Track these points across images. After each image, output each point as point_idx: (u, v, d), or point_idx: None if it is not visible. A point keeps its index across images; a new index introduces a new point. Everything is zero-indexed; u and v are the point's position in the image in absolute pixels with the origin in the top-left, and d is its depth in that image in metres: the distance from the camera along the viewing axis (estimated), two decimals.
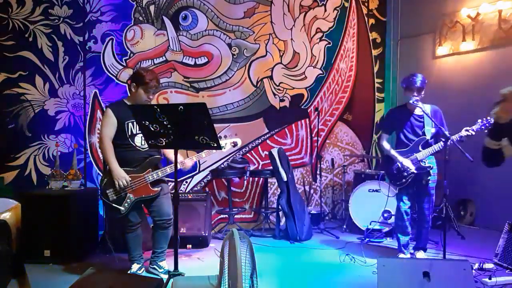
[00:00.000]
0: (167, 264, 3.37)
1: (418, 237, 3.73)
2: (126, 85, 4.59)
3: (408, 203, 3.65)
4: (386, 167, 3.77)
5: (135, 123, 3.18)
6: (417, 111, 3.62)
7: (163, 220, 3.28)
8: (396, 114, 3.77)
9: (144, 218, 3.55)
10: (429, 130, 3.58)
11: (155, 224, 3.34)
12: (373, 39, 5.92)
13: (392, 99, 5.96)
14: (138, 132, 3.20)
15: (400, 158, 3.57)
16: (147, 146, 3.18)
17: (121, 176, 3.11)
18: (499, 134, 1.91)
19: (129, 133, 3.20)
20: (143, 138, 3.19)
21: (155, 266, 3.36)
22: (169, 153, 3.36)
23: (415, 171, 3.50)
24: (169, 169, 3.22)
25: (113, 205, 3.14)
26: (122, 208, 3.14)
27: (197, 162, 4.88)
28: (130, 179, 3.14)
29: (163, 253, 3.38)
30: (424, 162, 3.52)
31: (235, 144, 3.32)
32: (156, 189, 3.22)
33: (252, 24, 5.08)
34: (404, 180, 3.57)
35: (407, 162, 3.53)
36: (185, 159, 3.29)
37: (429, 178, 3.57)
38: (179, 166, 3.08)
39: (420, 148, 3.56)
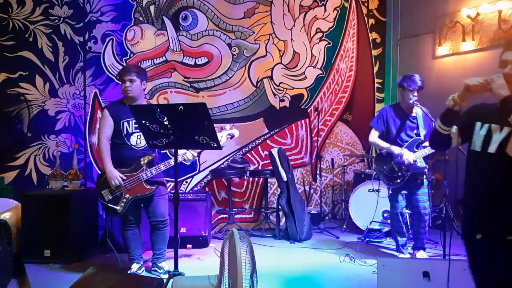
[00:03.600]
0: (167, 264, 3.37)
1: (416, 237, 3.72)
2: None
3: (403, 203, 3.65)
4: (379, 167, 3.71)
5: (130, 122, 3.20)
6: (414, 112, 3.61)
7: (157, 221, 3.30)
8: (391, 112, 3.70)
9: (144, 218, 3.56)
10: (423, 132, 3.58)
11: (150, 225, 3.36)
12: (373, 39, 5.92)
13: (392, 99, 5.95)
14: (133, 131, 3.22)
15: (398, 149, 3.54)
16: (142, 145, 3.21)
17: (114, 175, 3.12)
18: (450, 121, 1.93)
19: (125, 133, 3.22)
20: (138, 137, 3.22)
21: (155, 268, 3.39)
22: None
23: (411, 162, 3.46)
24: (163, 167, 3.22)
25: (109, 205, 3.16)
26: (118, 207, 3.15)
27: (197, 161, 4.88)
28: (125, 178, 3.15)
29: (162, 255, 3.38)
30: (417, 162, 3.51)
31: (232, 136, 3.26)
32: (151, 187, 3.22)
33: (252, 24, 5.09)
34: (398, 180, 3.56)
35: (407, 154, 3.47)
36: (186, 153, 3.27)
37: (424, 177, 3.56)
38: (179, 159, 3.09)
39: (415, 149, 3.54)
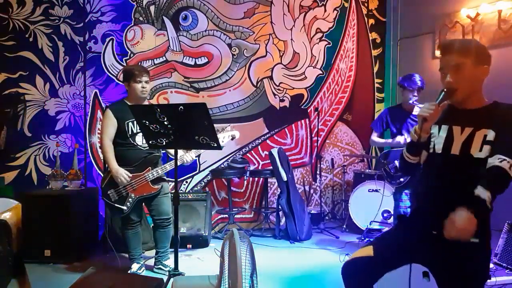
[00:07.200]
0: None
1: None
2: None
3: (407, 203, 3.65)
4: (383, 165, 3.73)
5: (135, 122, 3.19)
6: (414, 112, 3.62)
7: (162, 219, 3.30)
8: (393, 114, 3.74)
9: (145, 218, 3.56)
10: None
11: (154, 224, 3.37)
12: (373, 39, 5.93)
13: (392, 99, 5.96)
14: (138, 131, 3.21)
15: (401, 137, 3.56)
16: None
17: (120, 173, 3.12)
18: (418, 151, 1.91)
19: (130, 133, 3.22)
20: (143, 137, 3.21)
21: (160, 266, 3.39)
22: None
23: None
24: (168, 167, 3.23)
25: (115, 205, 3.16)
26: (124, 207, 3.16)
27: (197, 161, 4.88)
28: (131, 175, 3.15)
29: (166, 252, 3.40)
30: None
31: (233, 137, 3.31)
32: (156, 186, 3.23)
33: (252, 24, 5.09)
34: (401, 179, 3.57)
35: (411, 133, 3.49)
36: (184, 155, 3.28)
37: None
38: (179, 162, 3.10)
39: None
